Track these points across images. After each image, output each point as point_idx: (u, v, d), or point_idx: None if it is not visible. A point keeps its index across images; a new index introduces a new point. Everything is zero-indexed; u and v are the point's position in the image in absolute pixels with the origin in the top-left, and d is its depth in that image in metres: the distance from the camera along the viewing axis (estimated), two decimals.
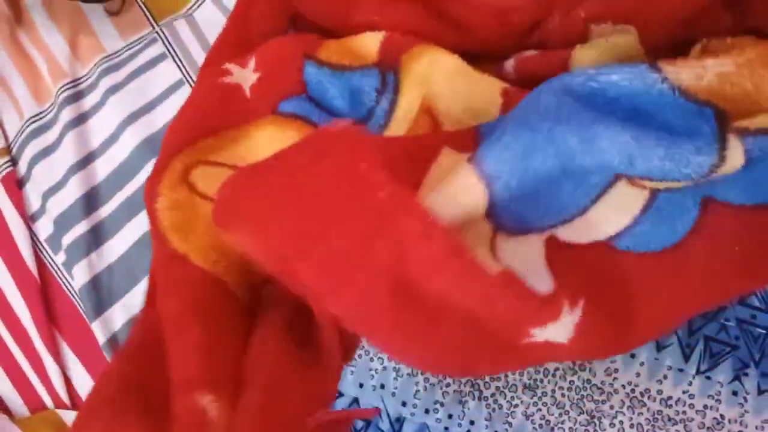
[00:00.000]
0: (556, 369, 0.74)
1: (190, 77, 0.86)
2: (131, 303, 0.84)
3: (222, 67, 0.67)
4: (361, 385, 0.77)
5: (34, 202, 0.88)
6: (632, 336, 0.53)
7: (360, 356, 0.77)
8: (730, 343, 0.71)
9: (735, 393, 0.71)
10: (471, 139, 0.56)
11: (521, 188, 0.51)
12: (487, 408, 0.75)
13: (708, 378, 0.71)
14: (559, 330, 0.50)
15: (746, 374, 0.71)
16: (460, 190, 0.50)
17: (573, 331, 0.50)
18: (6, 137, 0.89)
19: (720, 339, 0.72)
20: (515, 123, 0.51)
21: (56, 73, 0.88)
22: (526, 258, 0.53)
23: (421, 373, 0.76)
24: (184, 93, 0.86)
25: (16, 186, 0.88)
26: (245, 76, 0.67)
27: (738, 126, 0.48)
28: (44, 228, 0.88)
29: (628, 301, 0.53)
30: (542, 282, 0.51)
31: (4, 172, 0.87)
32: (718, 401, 0.71)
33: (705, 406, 0.71)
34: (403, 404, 0.76)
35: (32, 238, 0.88)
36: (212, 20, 0.87)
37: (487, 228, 0.53)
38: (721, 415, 0.71)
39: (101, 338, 0.83)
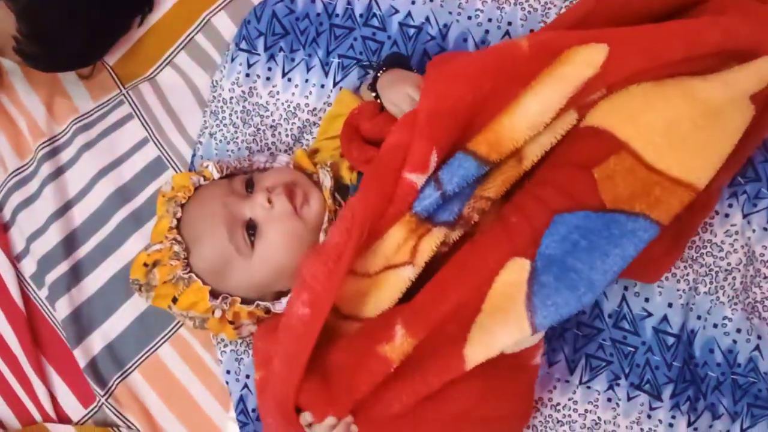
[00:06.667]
0: None
1: (155, 136, 0.99)
2: (108, 331, 0.97)
3: None
4: None
5: (18, 245, 1.01)
6: None
7: None
8: (605, 359, 0.88)
9: (609, 399, 0.87)
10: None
11: None
12: None
13: (588, 387, 0.88)
14: None
15: (618, 384, 0.87)
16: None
17: None
18: None
19: (598, 356, 0.88)
20: None
21: (35, 132, 1.00)
22: None
23: None
24: (149, 150, 0.99)
25: (1, 230, 1.00)
26: None
27: None
28: (28, 267, 1.00)
29: None
30: None
31: None
32: (596, 406, 0.87)
33: (586, 411, 0.88)
34: None
35: (18, 276, 1.01)
36: (173, 83, 1.00)
37: None
38: (599, 417, 0.87)
39: (82, 362, 0.96)
